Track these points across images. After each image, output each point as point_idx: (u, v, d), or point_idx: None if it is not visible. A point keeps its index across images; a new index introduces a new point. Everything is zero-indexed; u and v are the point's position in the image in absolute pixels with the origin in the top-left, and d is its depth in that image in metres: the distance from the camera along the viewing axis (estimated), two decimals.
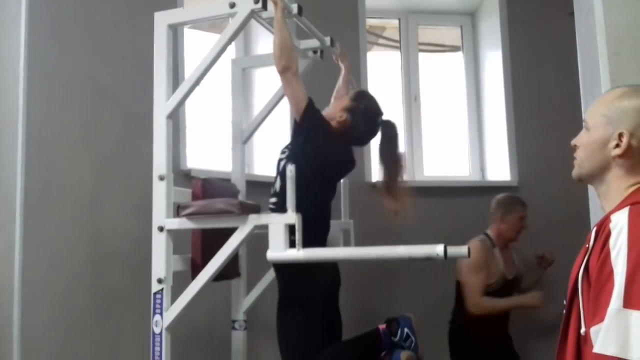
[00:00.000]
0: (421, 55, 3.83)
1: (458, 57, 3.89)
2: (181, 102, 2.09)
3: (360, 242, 2.55)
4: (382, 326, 2.16)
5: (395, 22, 3.81)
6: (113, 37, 2.49)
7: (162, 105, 2.06)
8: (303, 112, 2.07)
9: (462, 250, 1.83)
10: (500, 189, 3.49)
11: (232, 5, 2.01)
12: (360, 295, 3.16)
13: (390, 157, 2.21)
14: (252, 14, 2.01)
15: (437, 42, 4.14)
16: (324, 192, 2.22)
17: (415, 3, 3.74)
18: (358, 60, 3.36)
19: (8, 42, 2.24)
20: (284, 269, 2.11)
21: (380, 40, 4.16)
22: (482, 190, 3.56)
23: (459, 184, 3.61)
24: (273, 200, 2.16)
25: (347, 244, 2.56)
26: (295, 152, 2.13)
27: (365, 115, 2.20)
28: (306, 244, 1.85)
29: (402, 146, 2.28)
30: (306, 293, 2.10)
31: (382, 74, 3.83)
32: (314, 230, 2.07)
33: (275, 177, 2.19)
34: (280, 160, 2.20)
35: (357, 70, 3.33)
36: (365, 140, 2.29)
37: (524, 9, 3.57)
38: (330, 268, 2.20)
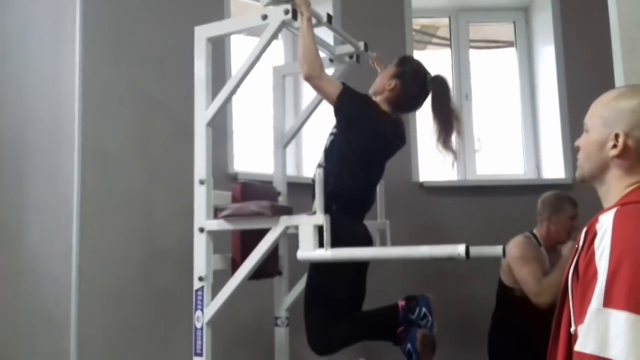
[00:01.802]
0: (475, 52, 3.80)
1: (512, 53, 3.82)
2: (220, 110, 2.20)
3: (402, 242, 2.58)
4: (401, 302, 2.20)
5: (447, 20, 3.79)
6: (161, 50, 2.66)
7: (202, 113, 2.19)
8: (337, 99, 2.14)
9: (494, 250, 1.84)
10: (556, 186, 3.41)
11: (265, 17, 2.11)
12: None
13: (445, 111, 2.22)
14: (284, 24, 2.11)
15: (491, 39, 4.08)
16: (368, 174, 2.27)
17: (466, 0, 3.71)
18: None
19: (64, 58, 2.45)
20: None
21: (434, 40, 4.16)
22: (537, 189, 3.46)
23: (513, 183, 3.55)
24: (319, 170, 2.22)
25: (383, 244, 2.60)
26: (340, 138, 2.21)
27: (414, 77, 2.24)
28: (345, 221, 2.03)
29: (453, 104, 2.26)
30: (336, 268, 2.14)
31: (435, 72, 3.82)
32: (356, 209, 2.22)
33: (323, 152, 2.28)
34: (330, 134, 2.29)
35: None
36: (418, 102, 2.28)
37: (577, 2, 3.47)
38: (362, 235, 2.26)
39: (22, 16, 2.60)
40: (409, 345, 2.12)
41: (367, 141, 2.19)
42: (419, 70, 2.27)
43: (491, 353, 2.82)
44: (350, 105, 2.16)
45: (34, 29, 2.57)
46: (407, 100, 2.26)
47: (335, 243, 1.90)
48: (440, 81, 2.25)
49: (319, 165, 2.25)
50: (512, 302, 2.73)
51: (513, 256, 2.66)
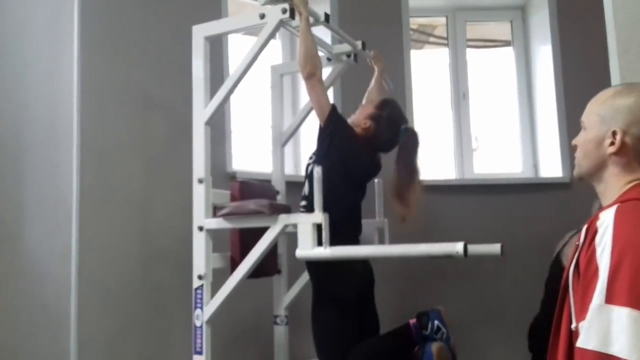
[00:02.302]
0: (472, 51, 3.81)
1: (509, 52, 3.83)
2: (218, 109, 2.21)
3: (401, 241, 2.59)
4: (412, 321, 2.20)
5: (444, 19, 3.80)
6: (159, 49, 2.66)
7: (200, 112, 2.20)
8: (327, 118, 2.16)
9: (491, 248, 1.85)
10: (553, 185, 3.44)
11: (262, 17, 2.12)
12: (407, 295, 3.20)
13: (407, 166, 2.25)
14: (281, 23, 2.12)
15: (488, 38, 4.09)
16: (352, 193, 2.28)
17: (463, 0, 3.72)
18: (402, 60, 3.39)
19: (62, 57, 2.45)
20: (315, 270, 2.20)
21: (431, 39, 4.16)
22: (535, 187, 3.51)
23: (511, 181, 3.56)
24: (303, 203, 2.25)
25: (382, 242, 2.61)
26: (321, 156, 2.20)
27: (389, 123, 2.26)
28: (336, 244, 1.93)
29: (421, 157, 2.29)
30: (337, 292, 2.17)
31: (433, 72, 3.84)
32: (344, 231, 2.14)
33: (304, 181, 2.28)
34: (308, 165, 2.29)
35: (401, 70, 3.37)
36: (388, 147, 2.31)
37: (574, 1, 3.48)
38: (360, 268, 2.26)
39: (20, 15, 2.60)
40: None
41: (349, 163, 2.20)
42: (395, 118, 2.29)
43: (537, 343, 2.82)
44: (336, 126, 2.18)
45: (32, 27, 2.57)
46: (377, 142, 2.28)
47: (337, 277, 1.95)
48: (412, 135, 2.27)
49: (304, 197, 2.25)
50: None
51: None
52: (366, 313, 2.30)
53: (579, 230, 1.21)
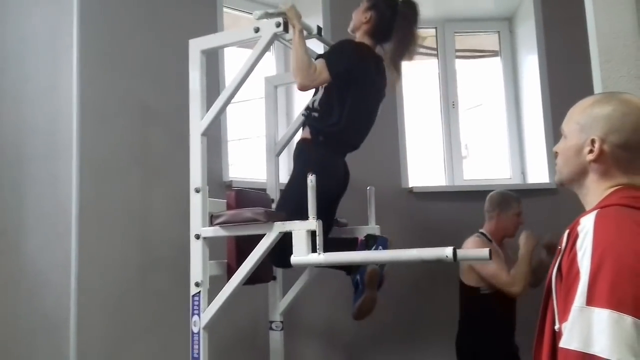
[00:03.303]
0: (461, 61, 3.90)
1: (497, 62, 3.92)
2: (214, 120, 2.26)
3: (394, 246, 2.64)
4: (361, 238, 2.34)
5: (433, 31, 3.89)
6: (157, 62, 2.72)
7: (197, 123, 2.26)
8: (331, 75, 2.25)
9: (479, 253, 1.91)
10: (540, 191, 3.51)
11: (257, 30, 2.18)
12: (400, 298, 3.25)
13: (406, 35, 2.38)
14: (275, 37, 2.19)
15: (476, 48, 4.17)
16: (354, 109, 2.33)
17: (452, 11, 3.80)
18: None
19: (62, 70, 2.51)
20: (301, 162, 2.32)
21: (421, 49, 4.24)
22: (523, 194, 3.54)
23: (499, 187, 3.62)
24: (305, 113, 2.39)
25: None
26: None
27: (386, 5, 2.38)
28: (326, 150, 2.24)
29: (417, 27, 2.42)
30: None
31: (422, 81, 3.92)
32: (339, 144, 2.35)
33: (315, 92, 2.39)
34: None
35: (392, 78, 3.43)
36: (392, 26, 2.39)
37: (560, 12, 3.56)
38: (342, 173, 2.41)
39: (20, 28, 2.66)
40: (357, 277, 2.23)
41: (354, 81, 2.29)
42: None
43: (459, 351, 2.89)
44: (338, 65, 2.26)
45: (32, 41, 2.62)
46: (385, 25, 2.38)
47: (311, 171, 2.00)
48: (410, 4, 2.40)
49: (310, 108, 2.37)
50: (478, 301, 2.83)
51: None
52: (327, 213, 2.34)
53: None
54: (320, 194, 2.02)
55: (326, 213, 2.32)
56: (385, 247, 2.27)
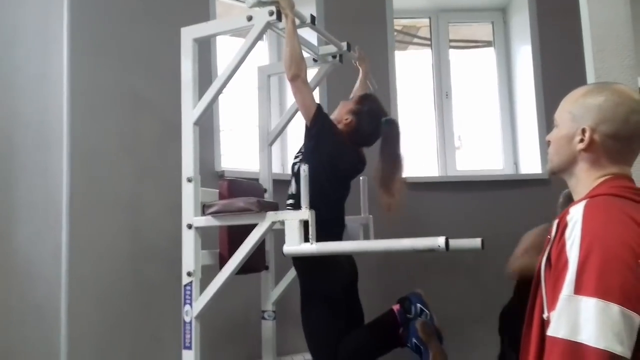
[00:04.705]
0: (454, 51, 3.89)
1: (491, 53, 3.92)
2: (206, 109, 2.25)
3: (385, 237, 2.65)
4: (395, 307, 2.27)
5: (427, 21, 3.88)
6: (148, 51, 2.70)
7: (189, 112, 2.24)
8: (313, 118, 2.22)
9: (472, 242, 1.91)
10: (532, 181, 3.53)
11: (250, 19, 2.17)
12: (392, 289, 3.26)
13: (390, 156, 2.32)
14: (268, 25, 2.17)
15: (470, 39, 4.17)
16: (338, 192, 2.35)
17: (446, 1, 3.79)
18: (387, 60, 3.46)
19: (52, 60, 2.48)
20: (302, 266, 2.27)
21: (415, 40, 4.24)
22: (515, 184, 3.59)
23: (492, 178, 3.64)
24: (290, 202, 2.31)
25: (367, 238, 2.67)
26: (307, 156, 2.27)
27: (370, 117, 2.33)
28: (321, 240, 1.98)
29: (403, 147, 2.36)
30: (325, 287, 2.24)
31: (416, 72, 3.92)
32: (329, 228, 2.19)
33: (291, 180, 2.34)
34: (294, 164, 2.35)
35: (386, 70, 3.43)
36: (370, 140, 2.37)
37: (553, 2, 3.56)
38: (346, 262, 2.33)
39: (10, 17, 2.63)
40: (413, 339, 2.18)
41: (335, 161, 2.26)
42: (375, 110, 2.36)
43: (505, 328, 2.91)
44: (322, 126, 2.24)
45: (23, 30, 2.60)
46: (360, 137, 2.35)
47: (324, 274, 2.02)
48: (392, 126, 2.34)
49: (291, 195, 2.32)
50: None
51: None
52: (352, 304, 2.37)
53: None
54: (334, 289, 2.10)
55: (350, 304, 2.33)
56: (422, 302, 2.25)
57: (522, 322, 3.05)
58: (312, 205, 2.00)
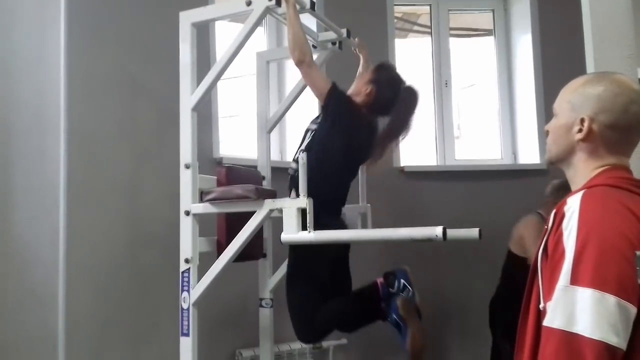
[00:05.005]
0: (455, 40, 3.87)
1: (491, 42, 3.90)
2: (205, 95, 2.23)
3: (384, 225, 2.65)
4: (380, 279, 2.29)
5: (427, 8, 3.85)
6: (146, 35, 2.68)
7: (187, 98, 2.23)
8: (327, 95, 2.21)
9: (470, 232, 1.91)
10: (531, 172, 3.53)
11: (249, 3, 2.15)
12: None
13: (401, 120, 2.34)
14: (268, 10, 2.15)
15: (471, 27, 4.15)
16: (346, 174, 2.35)
17: None
18: (386, 48, 3.44)
19: (49, 44, 2.46)
20: (298, 250, 2.26)
21: (415, 27, 4.21)
22: (514, 174, 3.60)
23: (490, 168, 3.64)
24: (294, 166, 2.30)
25: (365, 227, 2.67)
26: (322, 134, 2.27)
27: (389, 83, 2.35)
28: (322, 220, 1.99)
29: (416, 116, 2.37)
30: (314, 258, 2.23)
31: (416, 60, 3.90)
32: (329, 208, 2.21)
33: (300, 146, 2.34)
34: (308, 130, 2.36)
35: (386, 58, 3.40)
36: (390, 107, 2.36)
37: None
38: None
39: (7, 1, 2.60)
40: (393, 315, 2.18)
41: (350, 138, 2.26)
42: (394, 77, 2.37)
43: (496, 319, 2.98)
44: (338, 104, 2.23)
45: (19, 14, 2.57)
46: (382, 105, 2.35)
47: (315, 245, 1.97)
48: (412, 92, 2.36)
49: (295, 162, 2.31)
50: (523, 272, 2.88)
51: (529, 233, 2.86)
52: (340, 277, 2.38)
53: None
54: (328, 260, 2.10)
55: (340, 274, 2.35)
56: (407, 279, 2.25)
57: (511, 309, 3.13)
58: (319, 185, 2.02)
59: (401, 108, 2.34)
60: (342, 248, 2.38)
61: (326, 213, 2.09)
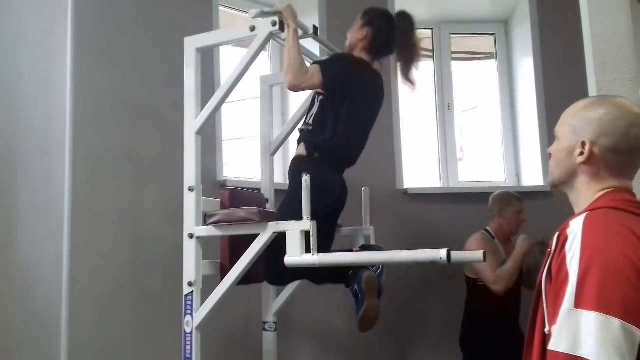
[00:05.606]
0: (457, 63, 3.90)
1: (493, 65, 3.93)
2: (209, 119, 2.25)
3: (387, 248, 2.64)
4: (356, 249, 2.34)
5: (429, 32, 3.89)
6: (151, 59, 2.71)
7: (191, 122, 2.24)
8: (324, 80, 2.24)
9: (474, 255, 1.91)
10: (535, 194, 3.52)
11: (253, 29, 2.17)
12: (394, 298, 3.25)
13: (406, 45, 2.39)
14: (271, 36, 2.18)
15: (472, 50, 4.19)
16: (350, 128, 2.33)
17: (448, 13, 3.81)
18: (389, 71, 3.45)
19: (56, 66, 2.49)
20: (296, 179, 2.20)
21: None
22: None
23: (494, 190, 3.62)
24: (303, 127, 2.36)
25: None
26: (323, 103, 2.33)
27: (381, 19, 2.39)
28: (322, 166, 2.16)
29: (417, 36, 2.43)
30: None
31: (418, 83, 3.91)
32: (335, 161, 2.33)
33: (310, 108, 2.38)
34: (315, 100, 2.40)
35: (388, 81, 3.43)
36: (390, 41, 2.40)
37: (555, 15, 3.58)
38: (338, 186, 2.37)
39: (14, 24, 2.64)
40: (355, 286, 2.19)
41: (349, 94, 2.28)
42: (384, 12, 2.44)
43: (462, 339, 3.05)
44: (332, 71, 2.26)
45: (26, 36, 2.61)
46: (382, 40, 2.39)
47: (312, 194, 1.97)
48: (404, 17, 2.42)
49: (305, 124, 2.36)
50: (476, 291, 2.99)
51: (473, 249, 2.90)
52: (326, 229, 2.35)
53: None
54: (317, 210, 2.01)
55: (324, 229, 2.29)
56: None
57: (468, 330, 3.17)
58: (320, 133, 2.24)
59: (401, 36, 2.39)
60: (340, 198, 2.40)
61: (329, 165, 2.26)
